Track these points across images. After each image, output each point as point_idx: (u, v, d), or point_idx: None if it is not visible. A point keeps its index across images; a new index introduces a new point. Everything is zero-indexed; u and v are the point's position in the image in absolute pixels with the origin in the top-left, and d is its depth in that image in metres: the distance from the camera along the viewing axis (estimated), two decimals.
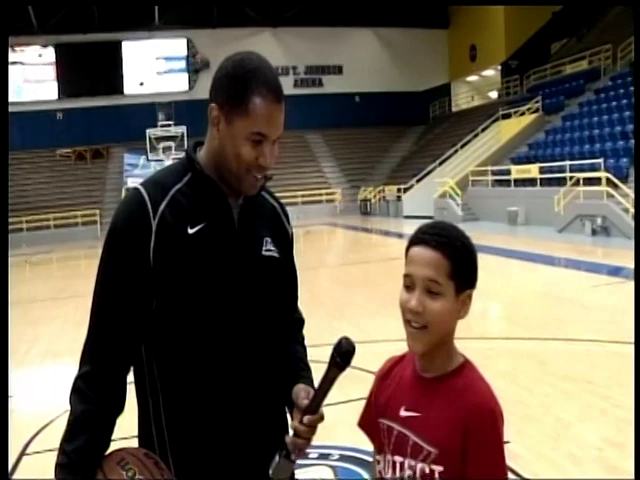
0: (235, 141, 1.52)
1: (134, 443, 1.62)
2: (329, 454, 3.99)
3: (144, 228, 1.49)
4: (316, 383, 1.54)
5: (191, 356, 1.53)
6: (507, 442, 3.67)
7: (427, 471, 1.37)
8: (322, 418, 1.50)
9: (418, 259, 1.38)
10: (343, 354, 1.42)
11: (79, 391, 1.49)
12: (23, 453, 4.50)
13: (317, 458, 3.95)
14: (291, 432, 1.54)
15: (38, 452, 4.47)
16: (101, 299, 1.54)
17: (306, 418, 1.48)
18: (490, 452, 1.35)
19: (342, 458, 3.95)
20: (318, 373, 1.54)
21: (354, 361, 1.46)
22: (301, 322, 1.85)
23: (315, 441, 1.54)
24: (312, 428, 1.49)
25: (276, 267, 1.65)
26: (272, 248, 1.65)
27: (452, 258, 1.37)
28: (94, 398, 1.48)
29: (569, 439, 4.24)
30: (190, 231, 1.52)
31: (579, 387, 5.26)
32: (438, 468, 1.36)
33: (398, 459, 1.42)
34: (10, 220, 21.35)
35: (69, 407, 1.50)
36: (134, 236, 1.50)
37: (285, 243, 1.72)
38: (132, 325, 1.52)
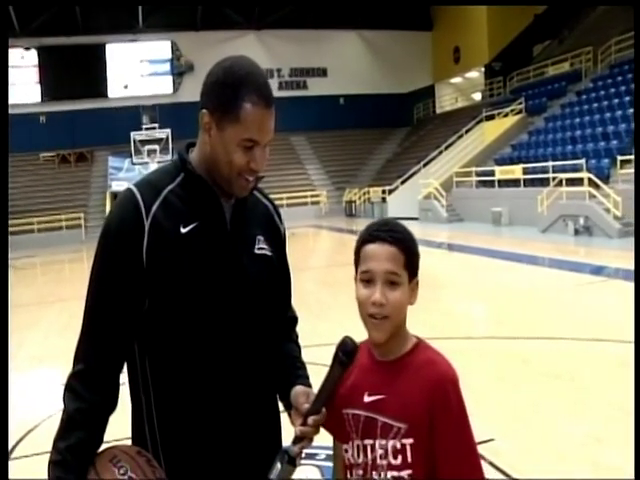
0: (227, 147, 1.53)
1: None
2: (315, 454, 3.97)
3: (137, 228, 1.51)
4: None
5: (184, 355, 1.54)
6: (492, 439, 3.69)
7: (398, 446, 1.45)
8: (325, 417, 1.53)
9: (378, 255, 1.49)
10: (348, 353, 1.47)
11: (72, 389, 1.50)
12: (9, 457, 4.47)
13: (303, 458, 3.94)
14: (288, 435, 1.54)
15: (25, 456, 4.44)
16: (94, 299, 1.55)
17: (311, 419, 1.50)
18: (456, 415, 1.45)
19: (328, 458, 3.95)
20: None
21: None
22: (294, 320, 1.87)
23: None
24: (317, 428, 1.53)
25: (269, 265, 1.67)
26: (264, 246, 1.67)
27: (405, 251, 1.50)
28: (87, 396, 1.49)
29: (555, 436, 4.28)
30: (183, 230, 1.54)
31: (564, 385, 5.31)
32: (408, 441, 1.45)
33: (368, 442, 1.50)
34: None
35: (63, 405, 1.51)
36: (127, 236, 1.51)
37: (278, 241, 1.74)
38: (125, 324, 1.53)
